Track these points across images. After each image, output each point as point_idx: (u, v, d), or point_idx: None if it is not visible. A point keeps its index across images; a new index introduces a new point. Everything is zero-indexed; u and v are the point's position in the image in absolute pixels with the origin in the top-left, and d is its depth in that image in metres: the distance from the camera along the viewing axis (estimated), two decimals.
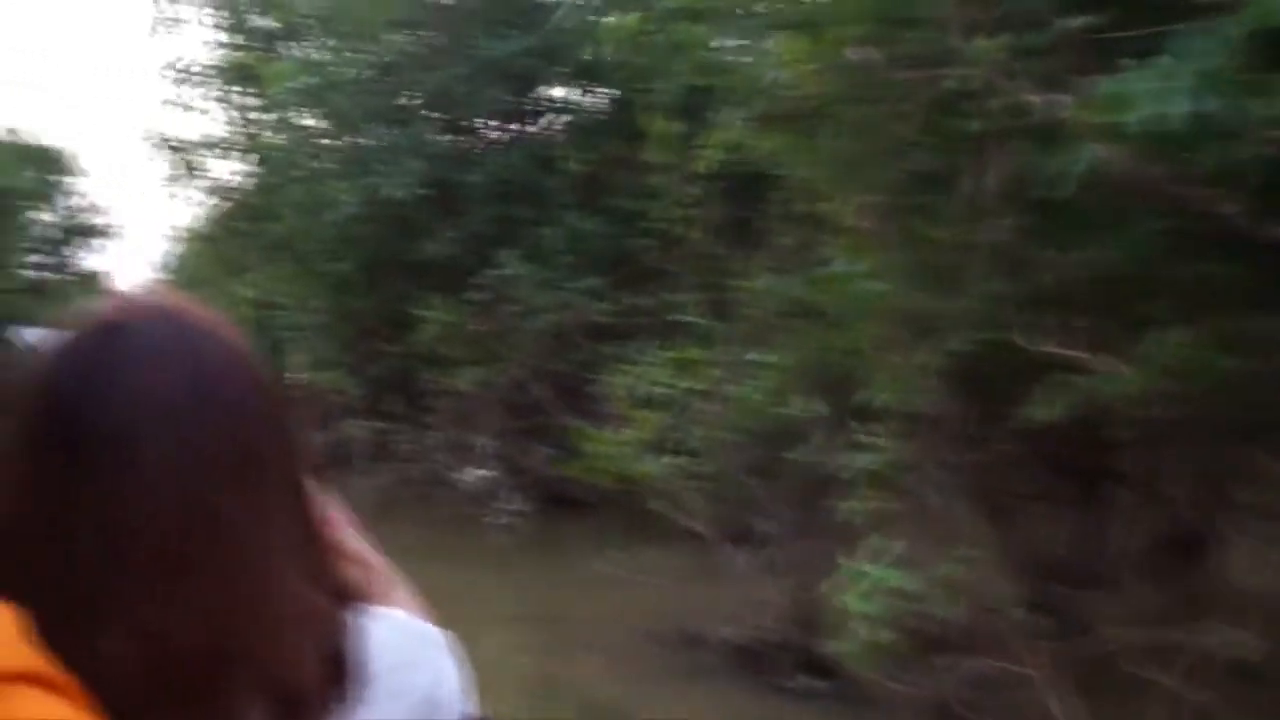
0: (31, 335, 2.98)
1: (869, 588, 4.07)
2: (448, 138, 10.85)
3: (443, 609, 0.93)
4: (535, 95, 11.10)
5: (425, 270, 11.77)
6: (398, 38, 10.58)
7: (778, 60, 5.82)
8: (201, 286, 26.13)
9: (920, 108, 4.13)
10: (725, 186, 8.14)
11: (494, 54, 9.90)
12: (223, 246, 18.93)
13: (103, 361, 0.73)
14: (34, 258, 27.49)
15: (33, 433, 0.72)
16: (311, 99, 11.09)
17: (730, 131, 6.84)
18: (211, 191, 17.45)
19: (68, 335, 0.76)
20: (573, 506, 10.31)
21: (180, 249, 28.72)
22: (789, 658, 6.50)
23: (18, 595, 0.66)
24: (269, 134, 13.51)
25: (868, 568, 4.14)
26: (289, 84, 11.05)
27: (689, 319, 7.63)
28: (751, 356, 6.40)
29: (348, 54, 10.99)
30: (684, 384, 6.84)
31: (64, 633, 0.66)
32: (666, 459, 6.68)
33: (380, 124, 10.67)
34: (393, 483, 12.10)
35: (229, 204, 17.16)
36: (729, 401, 6.72)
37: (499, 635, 7.94)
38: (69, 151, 29.11)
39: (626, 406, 8.62)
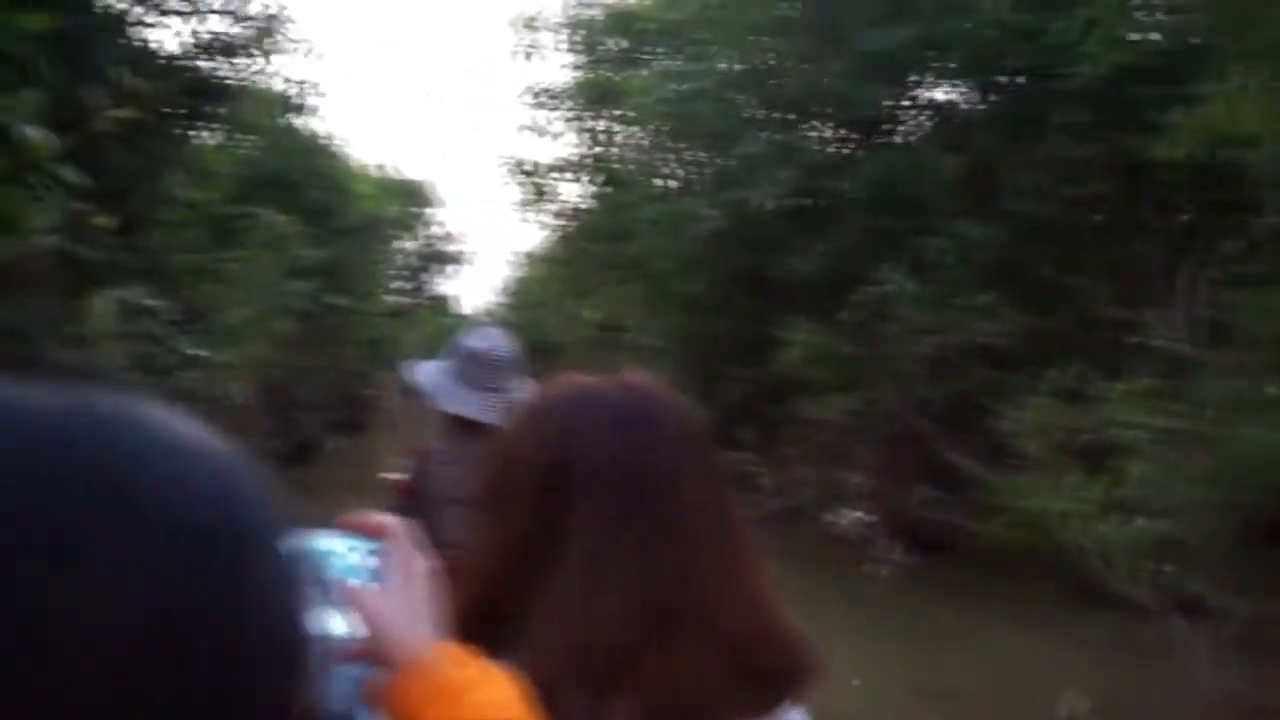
0: (420, 372, 2.89)
1: None
2: (819, 143, 9.92)
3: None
4: (915, 92, 9.93)
5: (787, 288, 10.91)
6: (766, 40, 9.79)
7: None
8: (544, 309, 27.01)
9: None
10: (1186, 176, 6.60)
11: (873, 48, 8.84)
12: (568, 268, 19.14)
13: (639, 425, 0.96)
14: (396, 283, 29.68)
15: (591, 482, 0.93)
16: (672, 111, 10.54)
17: (1223, 105, 5.36)
18: (560, 214, 17.69)
19: (566, 401, 1.00)
20: (962, 556, 8.99)
21: (525, 272, 29.98)
22: None
23: (591, 619, 0.88)
24: (623, 152, 13.26)
25: None
26: (650, 96, 10.57)
27: (1149, 340, 6.13)
28: (1271, 390, 4.85)
29: (711, 62, 10.36)
30: (1157, 422, 5.39)
31: (648, 637, 0.87)
32: (1141, 522, 5.25)
33: (746, 132, 9.91)
34: (747, 518, 11.28)
35: (577, 226, 17.29)
36: (1219, 447, 5.24)
37: (902, 713, 6.81)
38: (428, 182, 31.33)
39: (1043, 447, 7.24)
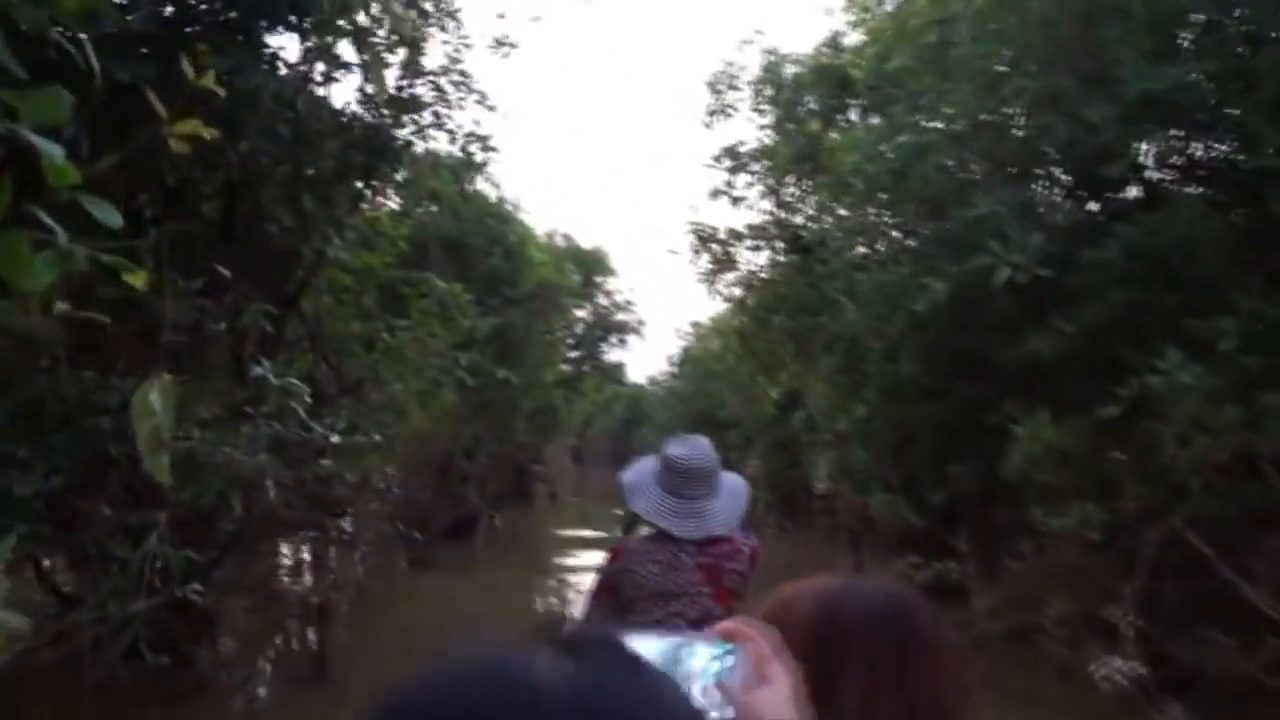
0: (628, 473, 3.27)
1: None
2: (1068, 203, 8.38)
3: None
4: (1191, 142, 8.28)
5: (1016, 373, 9.31)
6: (1009, 85, 8.34)
7: None
8: (717, 380, 25.81)
9: None
10: None
11: (1150, 88, 7.30)
12: (747, 340, 17.88)
13: (898, 602, 1.25)
14: (571, 352, 29.09)
15: (863, 642, 1.19)
16: (886, 170, 9.20)
17: None
18: (743, 284, 16.53)
19: (837, 584, 1.28)
20: (1261, 716, 7.09)
21: (700, 343, 28.94)
22: None
23: None
24: (818, 217, 11.98)
25: None
26: (857, 154, 9.27)
27: None
28: None
29: (934, 114, 8.99)
30: None
31: None
32: None
33: (975, 193, 8.47)
34: (961, 641, 9.54)
35: (759, 295, 16.07)
36: None
37: None
38: (603, 251, 30.82)
39: None
